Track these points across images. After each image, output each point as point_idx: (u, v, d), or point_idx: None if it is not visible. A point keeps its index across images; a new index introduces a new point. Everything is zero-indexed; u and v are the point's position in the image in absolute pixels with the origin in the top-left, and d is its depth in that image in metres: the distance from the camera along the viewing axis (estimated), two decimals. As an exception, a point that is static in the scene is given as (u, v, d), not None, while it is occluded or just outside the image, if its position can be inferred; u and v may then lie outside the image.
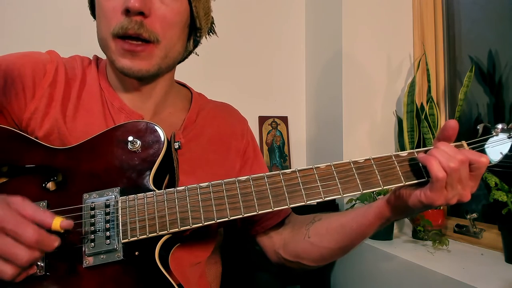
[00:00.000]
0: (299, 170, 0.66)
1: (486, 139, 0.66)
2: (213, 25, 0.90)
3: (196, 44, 0.87)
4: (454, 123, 0.65)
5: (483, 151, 0.66)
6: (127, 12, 0.68)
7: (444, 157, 0.61)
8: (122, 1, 0.69)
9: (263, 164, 0.95)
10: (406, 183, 0.65)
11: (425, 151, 0.66)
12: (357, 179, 0.65)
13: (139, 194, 0.66)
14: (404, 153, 0.66)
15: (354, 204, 1.42)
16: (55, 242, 0.58)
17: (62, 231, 0.58)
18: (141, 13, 0.69)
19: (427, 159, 0.62)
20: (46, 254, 0.60)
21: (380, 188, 0.64)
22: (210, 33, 0.90)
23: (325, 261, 0.84)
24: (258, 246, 0.93)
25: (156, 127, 0.71)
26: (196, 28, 0.81)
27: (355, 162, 0.66)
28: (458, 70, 1.58)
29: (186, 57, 0.89)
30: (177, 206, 0.65)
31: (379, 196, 1.34)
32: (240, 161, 0.90)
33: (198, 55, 0.91)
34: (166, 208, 0.65)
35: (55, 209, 0.64)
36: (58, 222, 0.58)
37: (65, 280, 0.62)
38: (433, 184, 0.62)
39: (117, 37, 0.70)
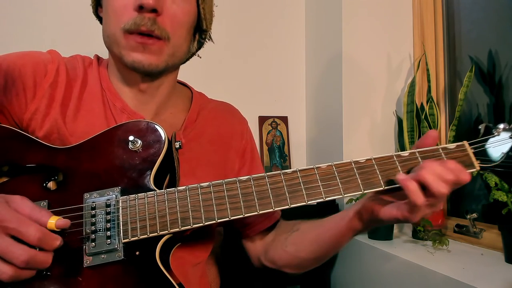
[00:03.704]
0: (300, 170, 0.66)
1: (488, 139, 0.66)
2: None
3: (199, 46, 0.87)
4: (435, 133, 0.66)
5: (484, 151, 0.66)
6: (141, 8, 0.68)
7: (434, 182, 0.59)
8: None
9: (261, 168, 0.95)
10: None
11: (426, 151, 0.66)
12: (358, 179, 0.65)
13: (139, 194, 0.66)
14: (405, 153, 0.66)
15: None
16: (57, 241, 0.58)
17: (58, 230, 0.58)
18: (154, 11, 0.69)
19: (406, 185, 0.59)
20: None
21: (382, 188, 0.64)
22: (207, 39, 0.90)
23: (303, 269, 0.85)
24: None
25: (156, 127, 0.71)
26: (201, 30, 0.81)
27: (356, 162, 0.66)
28: (458, 70, 1.58)
29: (188, 59, 0.89)
30: (178, 206, 0.65)
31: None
32: (239, 161, 0.90)
33: (200, 57, 0.91)
34: (167, 208, 0.65)
35: (56, 209, 0.64)
36: (53, 221, 0.58)
37: (65, 280, 0.61)
38: (412, 207, 0.60)
39: (128, 32, 0.70)
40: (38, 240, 0.55)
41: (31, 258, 0.55)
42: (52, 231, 0.58)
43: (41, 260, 0.57)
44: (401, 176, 0.61)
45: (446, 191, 0.59)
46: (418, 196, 0.59)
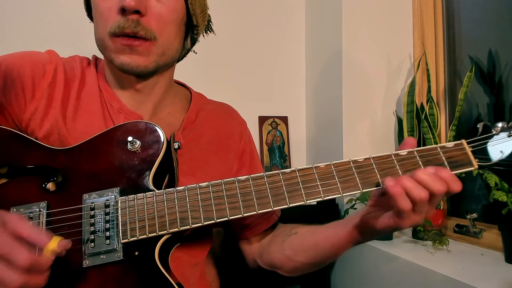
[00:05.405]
0: (298, 170, 0.66)
1: (486, 138, 0.66)
2: (210, 23, 0.89)
3: (193, 41, 0.86)
4: (413, 140, 0.67)
5: (482, 150, 0.66)
6: (123, 11, 0.68)
7: (418, 188, 0.59)
8: (117, 1, 0.69)
9: (260, 170, 0.95)
10: None
11: (423, 150, 0.66)
12: (357, 178, 0.64)
13: (138, 194, 0.66)
14: (403, 152, 0.66)
15: (354, 204, 1.42)
16: (49, 261, 0.55)
17: (59, 251, 0.55)
18: (137, 12, 0.69)
19: (395, 192, 0.59)
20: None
21: (380, 187, 0.64)
22: (208, 31, 0.90)
23: (299, 273, 0.85)
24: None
25: (155, 127, 0.71)
26: (193, 25, 0.81)
27: (354, 161, 0.66)
28: (458, 70, 1.58)
29: (184, 55, 0.88)
30: (176, 206, 0.65)
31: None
32: (237, 163, 0.90)
33: (196, 53, 0.90)
34: (165, 208, 0.65)
35: (55, 210, 0.64)
36: (55, 243, 0.55)
37: (65, 281, 0.61)
38: (400, 213, 0.61)
39: (114, 36, 0.70)
40: (29, 266, 0.52)
41: (25, 284, 0.53)
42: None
43: (35, 283, 0.54)
44: (389, 182, 0.60)
45: (425, 196, 0.59)
46: (404, 202, 0.59)
